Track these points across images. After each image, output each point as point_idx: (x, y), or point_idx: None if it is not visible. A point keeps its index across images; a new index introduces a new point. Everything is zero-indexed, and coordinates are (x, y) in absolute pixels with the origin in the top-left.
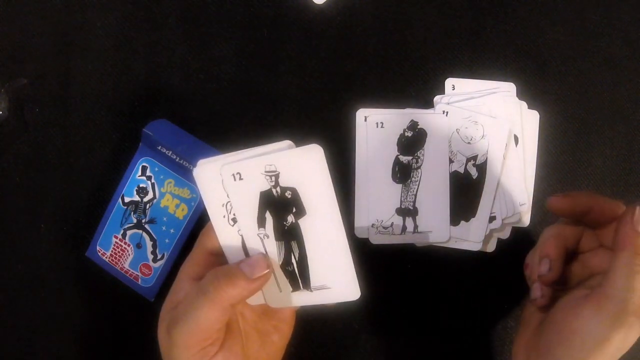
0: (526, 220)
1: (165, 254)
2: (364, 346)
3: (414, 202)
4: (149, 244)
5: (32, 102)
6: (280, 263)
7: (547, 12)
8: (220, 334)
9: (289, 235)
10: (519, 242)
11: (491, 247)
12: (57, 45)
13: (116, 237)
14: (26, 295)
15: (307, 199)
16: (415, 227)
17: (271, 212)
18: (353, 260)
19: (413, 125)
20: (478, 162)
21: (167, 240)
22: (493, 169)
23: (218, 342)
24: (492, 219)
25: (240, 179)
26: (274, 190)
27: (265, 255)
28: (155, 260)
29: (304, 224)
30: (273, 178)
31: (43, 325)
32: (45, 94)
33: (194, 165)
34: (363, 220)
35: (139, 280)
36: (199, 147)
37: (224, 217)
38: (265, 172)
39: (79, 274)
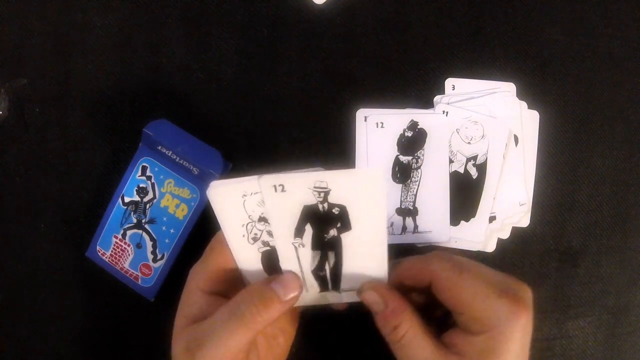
0: (526, 220)
1: (165, 254)
2: (364, 345)
3: (414, 202)
4: (149, 244)
5: (32, 102)
6: (313, 269)
7: (547, 12)
8: (246, 354)
9: (327, 246)
10: (519, 242)
11: (491, 247)
12: (57, 45)
13: (116, 237)
14: (26, 295)
15: (356, 216)
16: (415, 227)
17: (312, 225)
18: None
19: (413, 125)
20: (478, 162)
21: (167, 240)
22: (493, 169)
23: None
24: (492, 219)
25: (283, 190)
26: (320, 206)
27: (296, 275)
28: (155, 260)
29: (346, 237)
30: (322, 194)
31: (43, 325)
32: (45, 94)
33: (194, 166)
34: None
35: (139, 280)
36: (199, 147)
37: (244, 236)
38: (315, 187)
39: (79, 274)
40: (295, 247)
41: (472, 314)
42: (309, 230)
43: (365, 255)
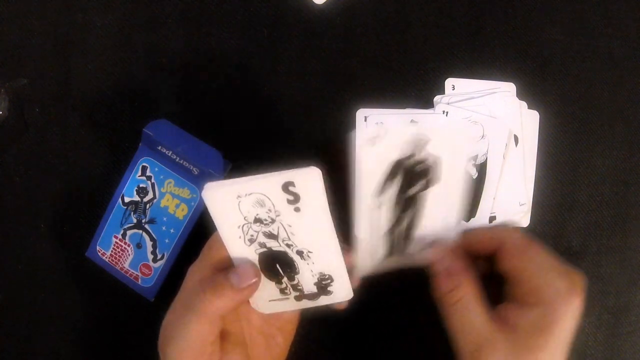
0: (526, 220)
1: (165, 254)
2: (364, 345)
3: None
4: (149, 244)
5: (32, 102)
6: (388, 229)
7: (547, 12)
8: (215, 347)
9: (408, 204)
10: None
11: None
12: (57, 45)
13: (116, 237)
14: (26, 295)
15: (444, 170)
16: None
17: (402, 178)
18: None
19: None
20: (478, 162)
21: (167, 240)
22: (493, 169)
23: (215, 355)
24: (492, 219)
25: (378, 144)
26: (415, 157)
27: (253, 264)
28: (155, 260)
29: (429, 193)
30: (420, 145)
31: (43, 325)
32: (45, 94)
33: (194, 166)
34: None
35: (139, 280)
36: (199, 147)
37: (240, 237)
38: (414, 138)
39: (79, 274)
40: (376, 206)
41: (532, 285)
42: (391, 189)
43: (440, 213)
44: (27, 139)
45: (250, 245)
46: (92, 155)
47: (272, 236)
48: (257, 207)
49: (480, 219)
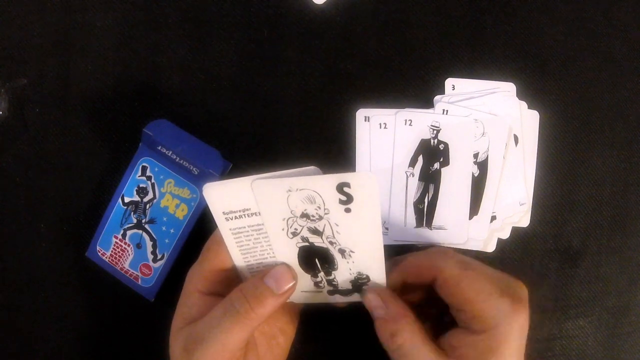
0: (526, 220)
1: (165, 254)
2: (365, 345)
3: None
4: (149, 244)
5: (32, 102)
6: (414, 200)
7: (547, 12)
8: (243, 351)
9: (430, 179)
10: (519, 242)
11: (491, 247)
12: (57, 45)
13: (116, 237)
14: (26, 295)
15: (452, 154)
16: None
17: (424, 156)
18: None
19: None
20: (479, 159)
21: (167, 241)
22: (494, 168)
23: (241, 358)
24: (492, 218)
25: (410, 125)
26: (432, 140)
27: (288, 266)
28: (155, 260)
29: (444, 172)
30: (435, 132)
31: (43, 325)
32: (45, 94)
33: (194, 166)
34: None
35: (139, 280)
36: (199, 147)
37: (283, 229)
38: (431, 125)
39: (79, 274)
40: (407, 175)
41: (474, 312)
42: (419, 163)
43: (454, 192)
44: (27, 139)
45: (292, 238)
46: (92, 155)
47: (316, 232)
48: (307, 203)
49: (483, 217)
